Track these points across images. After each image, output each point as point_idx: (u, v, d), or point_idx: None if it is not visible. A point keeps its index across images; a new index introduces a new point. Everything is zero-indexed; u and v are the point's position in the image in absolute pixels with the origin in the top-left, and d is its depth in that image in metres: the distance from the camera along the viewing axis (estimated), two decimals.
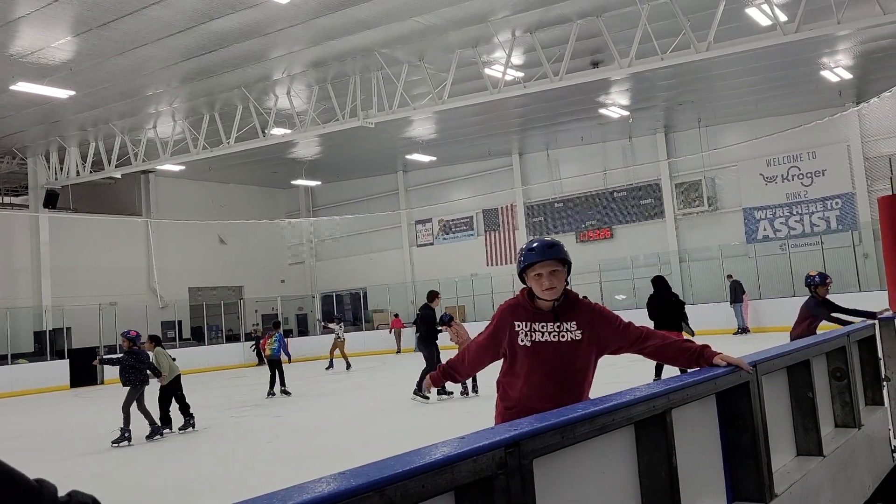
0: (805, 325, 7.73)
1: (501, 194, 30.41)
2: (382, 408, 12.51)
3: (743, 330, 21.92)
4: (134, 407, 10.54)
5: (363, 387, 16.94)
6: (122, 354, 11.17)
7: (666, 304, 11.01)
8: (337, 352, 21.63)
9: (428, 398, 12.42)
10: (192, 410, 11.35)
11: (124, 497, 7.19)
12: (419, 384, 12.55)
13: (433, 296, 13.26)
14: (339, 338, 21.42)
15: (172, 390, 11.25)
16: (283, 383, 15.59)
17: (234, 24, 14.93)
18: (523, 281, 3.28)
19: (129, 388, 10.65)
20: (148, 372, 10.85)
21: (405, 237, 33.21)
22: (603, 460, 2.29)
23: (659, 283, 11.30)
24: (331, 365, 21.15)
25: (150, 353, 11.12)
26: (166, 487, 7.72)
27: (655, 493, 2.42)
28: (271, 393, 15.43)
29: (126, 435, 10.39)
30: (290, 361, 17.54)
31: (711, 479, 2.92)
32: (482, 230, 31.30)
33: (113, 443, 10.32)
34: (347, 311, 33.19)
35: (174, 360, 11.46)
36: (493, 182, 30.70)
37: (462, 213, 31.73)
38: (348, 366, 20.93)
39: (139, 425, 10.56)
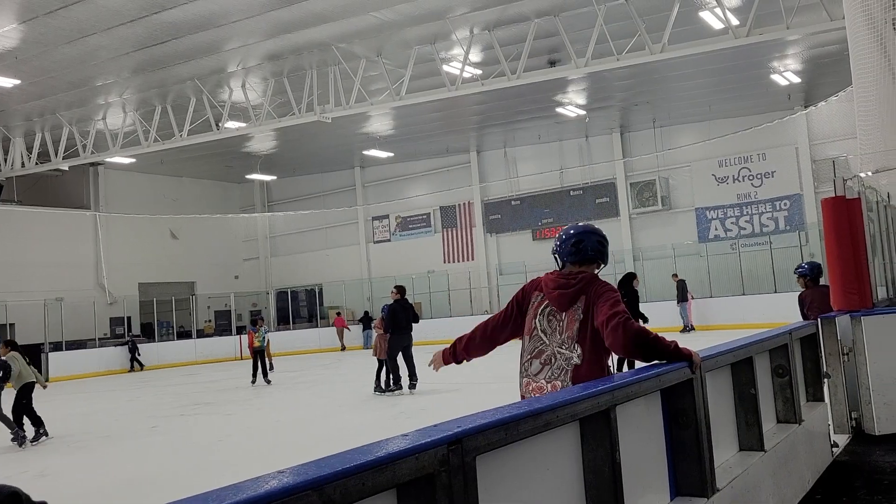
0: None
1: (459, 191, 30.44)
2: (336, 405, 12.44)
3: (689, 328, 22.32)
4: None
5: (316, 384, 16.83)
6: None
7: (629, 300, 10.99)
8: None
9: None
10: (29, 421, 10.67)
11: (68, 498, 7.01)
12: (396, 382, 12.57)
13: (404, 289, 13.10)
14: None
15: (18, 398, 10.62)
16: (265, 373, 16.76)
17: (186, 14, 14.65)
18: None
19: None
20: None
21: (362, 233, 33.03)
22: (547, 457, 2.31)
23: (625, 280, 11.29)
24: (271, 367, 20.42)
25: (4, 358, 10.62)
26: (110, 488, 7.56)
27: (599, 488, 2.44)
28: (254, 380, 16.60)
29: (21, 434, 10.19)
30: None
31: (655, 475, 2.96)
32: (439, 227, 31.29)
33: (13, 441, 10.17)
34: (303, 307, 32.88)
35: (30, 364, 10.96)
36: (451, 179, 30.72)
37: (419, 209, 31.68)
38: (270, 367, 20.37)
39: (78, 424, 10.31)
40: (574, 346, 3.07)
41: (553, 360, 3.11)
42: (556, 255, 3.38)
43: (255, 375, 16.68)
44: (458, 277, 29.57)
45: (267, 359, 20.17)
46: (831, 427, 5.79)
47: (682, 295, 22.65)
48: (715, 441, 3.25)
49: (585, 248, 3.27)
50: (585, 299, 3.14)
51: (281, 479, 1.45)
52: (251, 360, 17.18)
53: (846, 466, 5.42)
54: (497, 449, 1.98)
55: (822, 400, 5.56)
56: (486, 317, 3.54)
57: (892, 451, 5.67)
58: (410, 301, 13.40)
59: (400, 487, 1.70)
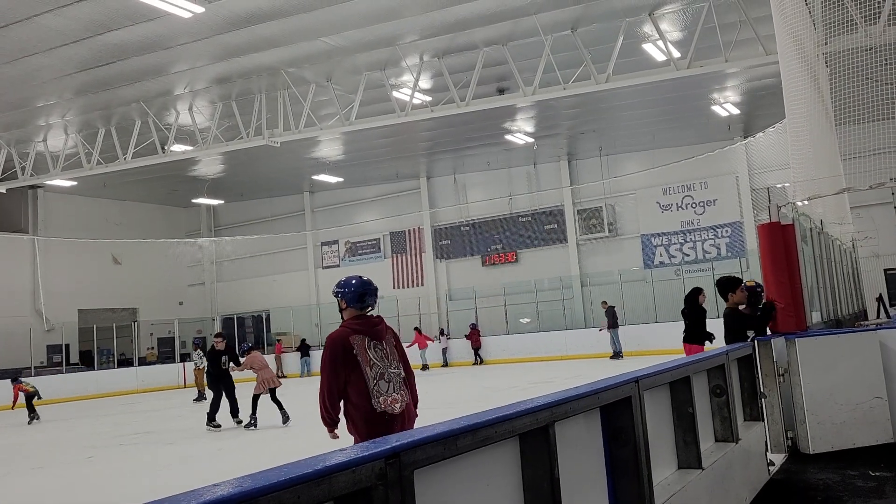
0: None
1: (409, 217, 30.50)
2: (279, 431, 12.23)
3: (617, 354, 22.48)
4: None
5: (260, 411, 16.45)
6: None
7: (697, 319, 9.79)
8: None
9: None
10: None
11: None
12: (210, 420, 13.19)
13: (220, 336, 13.99)
14: (199, 367, 19.82)
15: None
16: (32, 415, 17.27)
17: (133, 36, 14.47)
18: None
19: None
20: None
21: (311, 259, 32.77)
22: (486, 472, 2.33)
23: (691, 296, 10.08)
24: (201, 397, 19.68)
25: None
26: None
27: None
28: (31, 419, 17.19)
29: None
30: None
31: (594, 491, 3.00)
32: (389, 253, 31.26)
33: None
34: (249, 333, 32.33)
35: None
36: (401, 205, 30.78)
37: (369, 235, 31.61)
38: (202, 396, 19.28)
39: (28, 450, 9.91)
40: (398, 365, 4.23)
41: (392, 379, 4.12)
42: (340, 298, 4.36)
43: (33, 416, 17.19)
44: (407, 303, 29.50)
45: (198, 388, 19.63)
46: (768, 446, 5.94)
47: (613, 321, 22.91)
48: (653, 459, 3.31)
49: (366, 300, 4.35)
50: (389, 331, 4.36)
51: (215, 491, 1.45)
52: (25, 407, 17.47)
53: (782, 485, 5.56)
54: (436, 463, 1.99)
55: (759, 419, 5.71)
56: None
57: (826, 469, 5.84)
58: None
59: (337, 501, 1.70)
